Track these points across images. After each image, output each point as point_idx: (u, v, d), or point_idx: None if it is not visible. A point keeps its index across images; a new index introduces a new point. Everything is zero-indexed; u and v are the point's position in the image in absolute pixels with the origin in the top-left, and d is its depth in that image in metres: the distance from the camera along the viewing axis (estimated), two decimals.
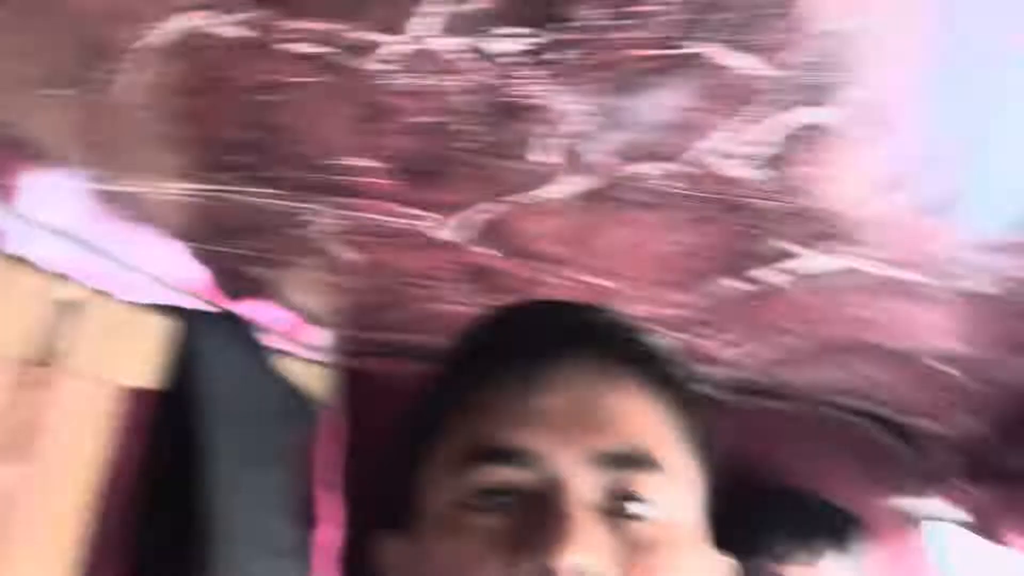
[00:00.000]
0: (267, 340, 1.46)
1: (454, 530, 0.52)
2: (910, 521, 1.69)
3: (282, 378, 1.36)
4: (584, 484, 0.52)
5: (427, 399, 0.61)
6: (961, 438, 1.38)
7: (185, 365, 1.13)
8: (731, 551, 1.56)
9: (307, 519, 1.44)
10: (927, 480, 1.58)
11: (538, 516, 0.50)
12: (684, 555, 0.53)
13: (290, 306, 1.40)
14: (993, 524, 1.14)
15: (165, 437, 1.12)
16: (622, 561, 0.50)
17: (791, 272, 0.79)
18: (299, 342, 1.67)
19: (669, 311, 1.05)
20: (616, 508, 0.52)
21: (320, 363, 1.68)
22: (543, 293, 1.02)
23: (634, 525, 0.52)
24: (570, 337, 0.56)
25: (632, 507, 0.52)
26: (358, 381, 1.77)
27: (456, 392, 0.58)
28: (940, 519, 1.61)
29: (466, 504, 0.53)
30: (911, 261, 0.73)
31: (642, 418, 0.55)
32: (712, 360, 1.44)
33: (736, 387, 1.71)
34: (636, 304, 1.03)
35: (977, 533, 1.21)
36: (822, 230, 0.68)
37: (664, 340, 0.60)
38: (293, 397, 1.36)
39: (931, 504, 1.52)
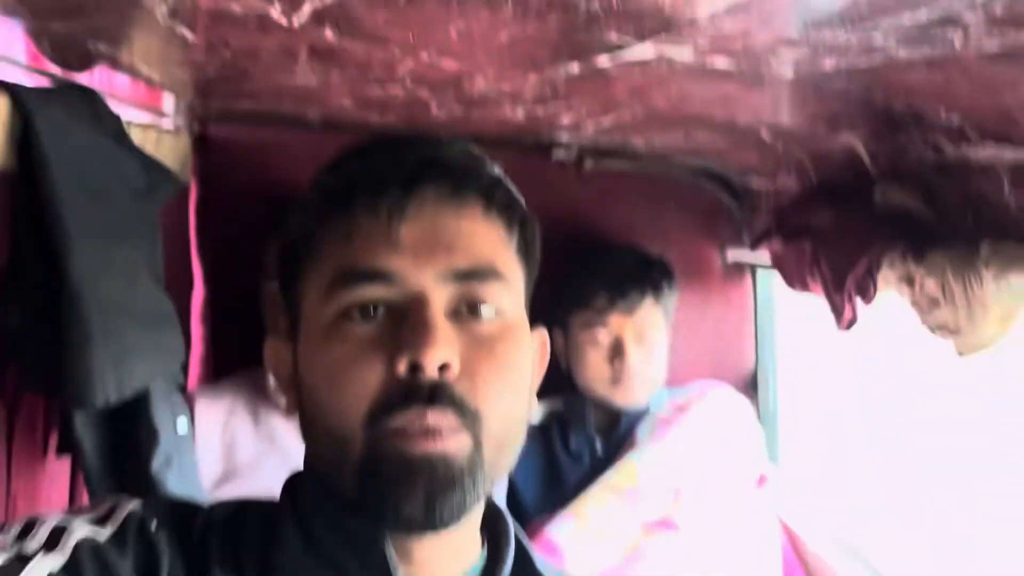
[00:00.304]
0: (117, 110, 1.42)
1: (336, 337, 0.63)
2: (739, 270, 1.90)
3: (136, 149, 1.34)
4: (440, 296, 0.63)
5: (298, 222, 0.69)
6: (780, 197, 1.54)
7: (29, 143, 1.10)
8: (562, 308, 1.70)
9: (177, 287, 1.49)
10: (753, 234, 1.75)
11: (407, 324, 0.61)
12: (514, 340, 0.66)
13: (139, 77, 1.36)
14: (794, 273, 1.31)
15: (23, 219, 1.12)
16: (471, 351, 0.63)
17: (624, 60, 0.85)
18: (150, 110, 1.63)
19: (524, 87, 1.09)
20: (466, 312, 0.64)
21: (173, 131, 1.66)
22: (401, 72, 1.05)
23: (480, 324, 0.64)
24: (426, 169, 0.65)
25: (478, 310, 0.64)
26: (211, 147, 1.76)
27: (325, 220, 0.66)
28: (766, 268, 1.82)
29: (344, 316, 0.63)
30: (728, 50, 0.80)
31: (486, 238, 0.66)
32: (561, 127, 1.51)
33: (584, 150, 1.81)
34: (494, 83, 1.07)
35: (784, 280, 1.39)
36: (651, 26, 0.73)
37: (498, 170, 0.70)
38: (150, 168, 1.34)
39: (756, 256, 1.70)
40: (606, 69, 0.92)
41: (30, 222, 1.11)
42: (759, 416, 1.86)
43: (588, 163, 1.83)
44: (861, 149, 1.14)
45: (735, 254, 1.85)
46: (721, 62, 0.82)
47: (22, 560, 0.57)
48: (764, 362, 1.89)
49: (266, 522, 0.68)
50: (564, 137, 1.66)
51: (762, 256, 1.63)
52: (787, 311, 1.92)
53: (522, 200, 0.71)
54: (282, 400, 1.41)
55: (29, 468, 1.16)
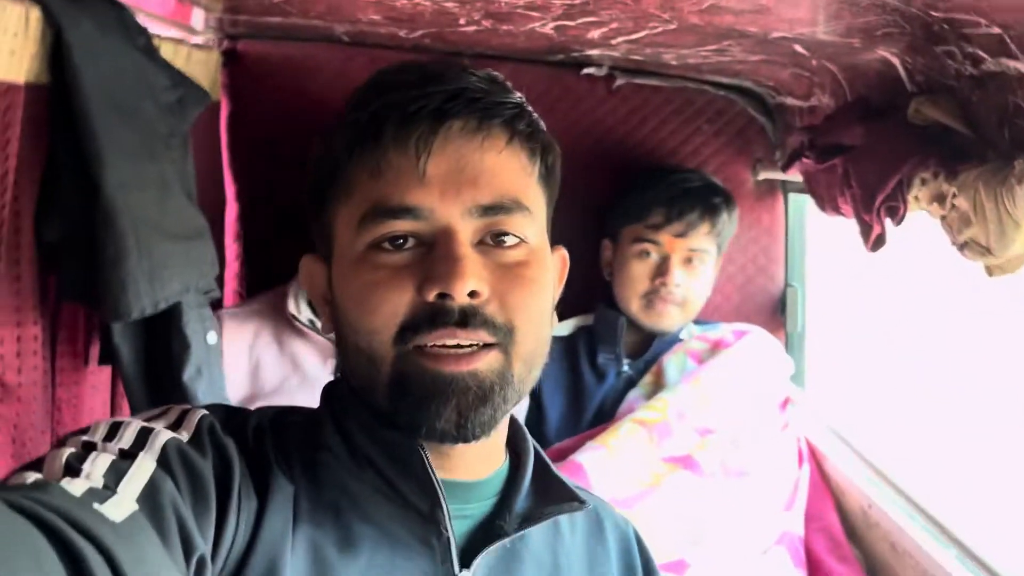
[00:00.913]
0: (147, 25, 1.42)
1: (367, 265, 0.67)
2: (772, 191, 1.88)
3: (166, 64, 1.35)
4: (467, 229, 0.67)
5: (327, 152, 0.72)
6: (814, 115, 1.51)
7: (61, 56, 1.11)
8: (616, 219, 1.70)
9: (210, 202, 1.50)
10: (786, 153, 1.72)
11: (435, 255, 0.66)
12: (538, 263, 0.70)
13: None
14: (825, 195, 1.29)
15: (58, 133, 1.14)
16: (498, 277, 0.67)
17: None
18: (180, 26, 1.63)
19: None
20: (491, 242, 0.68)
21: (202, 47, 1.65)
22: None
23: (505, 251, 0.68)
24: (452, 103, 0.67)
25: (503, 240, 0.68)
26: (241, 63, 1.76)
27: (355, 153, 0.69)
28: (799, 190, 1.79)
29: (376, 246, 0.67)
30: None
31: (510, 170, 0.69)
32: (591, 43, 1.49)
33: (615, 66, 1.78)
34: None
35: (816, 202, 1.37)
36: None
37: (521, 98, 0.71)
38: (179, 83, 1.35)
39: (789, 176, 1.67)
40: None
41: (65, 136, 1.13)
42: (786, 339, 1.86)
43: (619, 79, 1.80)
44: (897, 63, 1.11)
45: (768, 174, 1.83)
46: None
47: (128, 456, 0.59)
48: (793, 285, 1.88)
49: (309, 427, 0.73)
50: (595, 53, 1.63)
51: (795, 177, 1.61)
52: (818, 235, 1.90)
53: (543, 126, 0.72)
54: (303, 323, 1.49)
55: (72, 378, 1.20)
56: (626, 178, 1.74)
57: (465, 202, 0.67)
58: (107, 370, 1.28)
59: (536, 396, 1.67)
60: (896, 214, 1.02)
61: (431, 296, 0.65)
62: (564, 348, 1.71)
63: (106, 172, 1.12)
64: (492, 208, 0.67)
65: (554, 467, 0.78)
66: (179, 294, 1.18)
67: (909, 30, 0.98)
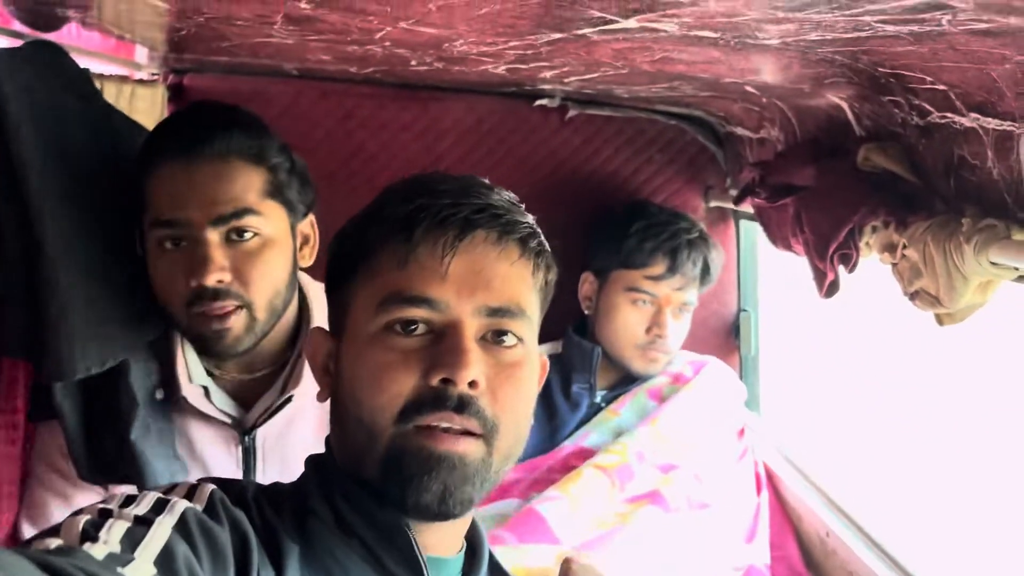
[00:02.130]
0: (88, 63, 1.38)
1: (380, 345, 0.74)
2: (723, 217, 1.89)
3: (106, 105, 1.31)
4: (473, 325, 0.75)
5: (357, 238, 0.80)
6: (764, 147, 1.52)
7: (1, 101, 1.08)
8: (607, 258, 1.68)
9: None
10: (736, 183, 1.74)
11: (444, 344, 0.73)
12: (529, 366, 0.78)
13: (111, 35, 1.32)
14: (777, 232, 1.31)
15: None
16: (494, 373, 0.75)
17: (609, 31, 0.83)
18: (124, 62, 1.59)
19: (504, 50, 1.07)
20: (492, 339, 0.76)
21: (148, 83, 1.62)
22: (379, 36, 1.02)
23: (503, 351, 0.76)
24: (480, 215, 0.75)
25: (503, 340, 0.76)
26: (189, 97, 1.72)
27: (386, 243, 0.76)
28: (749, 217, 1.81)
29: (390, 328, 0.74)
30: (713, 25, 0.78)
31: (517, 280, 0.77)
32: (543, 81, 1.49)
33: (567, 96, 1.78)
34: (474, 47, 1.05)
35: (768, 237, 1.38)
36: (635, 6, 0.71)
37: (533, 220, 0.81)
38: (121, 125, 1.31)
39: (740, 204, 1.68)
40: (588, 35, 0.90)
41: (5, 187, 1.09)
42: (740, 364, 1.88)
43: (572, 110, 1.81)
44: (846, 108, 1.13)
45: (719, 201, 1.85)
46: (707, 33, 0.81)
47: (144, 523, 0.62)
48: (746, 310, 1.90)
49: (296, 495, 0.78)
50: (547, 87, 1.63)
51: (745, 207, 1.62)
52: (770, 258, 1.92)
53: (548, 247, 0.82)
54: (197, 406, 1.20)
55: (8, 434, 1.16)
56: (585, 209, 1.74)
57: (477, 301, 0.75)
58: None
59: None
60: (849, 261, 1.03)
61: (435, 381, 0.72)
62: None
63: (47, 227, 1.08)
64: (499, 310, 0.75)
65: (497, 559, 0.87)
66: (127, 351, 1.15)
67: (857, 80, 1.00)
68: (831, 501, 1.52)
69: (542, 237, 0.81)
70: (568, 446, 1.56)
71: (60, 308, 1.08)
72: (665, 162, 1.86)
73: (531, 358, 0.78)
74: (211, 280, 1.08)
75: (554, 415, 1.66)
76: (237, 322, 1.11)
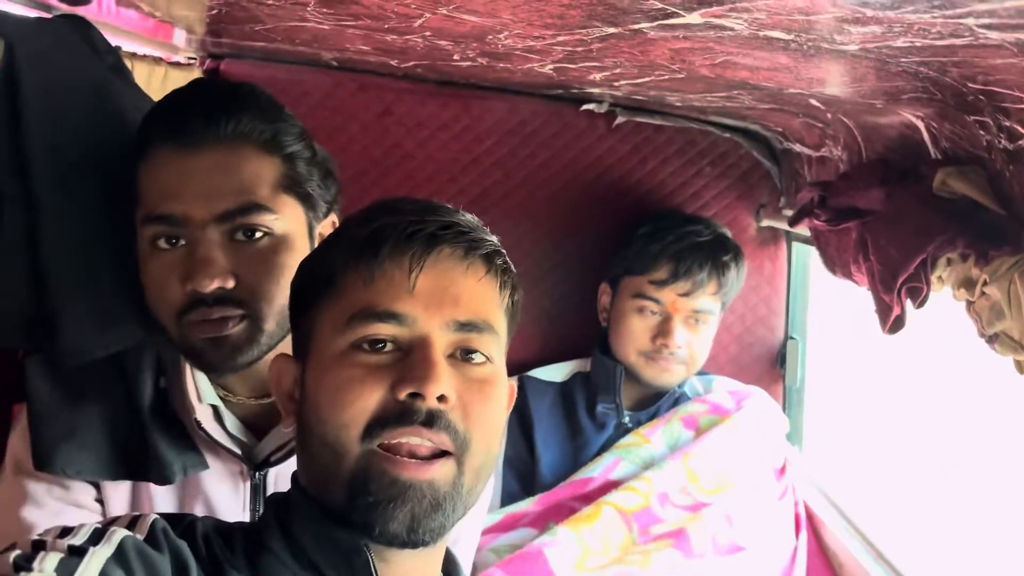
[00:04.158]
0: (122, 42, 1.33)
1: (346, 363, 0.73)
2: (775, 238, 1.80)
3: (133, 86, 1.25)
4: (443, 341, 0.74)
5: (320, 262, 0.79)
6: (825, 167, 1.43)
7: (10, 74, 1.02)
8: (617, 265, 1.61)
9: None
10: (791, 203, 1.65)
11: (411, 359, 0.72)
12: (499, 383, 0.77)
13: (148, 12, 1.27)
14: (836, 258, 1.21)
15: (3, 157, 1.04)
16: (464, 389, 0.73)
17: (668, 27, 0.75)
18: (160, 44, 1.54)
19: (553, 45, 0.99)
20: (461, 357, 0.75)
21: (183, 66, 1.57)
22: (418, 24, 0.95)
23: (472, 367, 0.75)
24: (446, 231, 0.75)
25: (472, 357, 0.75)
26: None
27: (351, 263, 0.75)
28: (803, 240, 1.71)
29: (357, 346, 0.73)
30: (787, 25, 0.69)
31: (484, 296, 0.76)
32: (592, 84, 1.40)
33: (616, 102, 1.70)
34: (520, 40, 0.97)
35: (825, 263, 1.29)
36: None
37: (498, 241, 0.80)
38: (147, 104, 1.24)
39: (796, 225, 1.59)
40: (645, 31, 0.82)
41: (11, 160, 1.04)
42: (784, 394, 1.78)
43: (620, 117, 1.72)
44: (922, 127, 1.03)
45: (771, 221, 1.75)
46: (778, 34, 0.72)
47: (78, 553, 0.62)
48: (794, 337, 1.80)
49: (252, 533, 0.76)
50: (595, 90, 1.55)
51: (801, 228, 1.52)
52: (822, 285, 1.82)
53: (513, 269, 0.81)
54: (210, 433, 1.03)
55: None
56: (628, 220, 1.66)
57: (445, 316, 0.73)
58: None
59: (529, 441, 1.59)
60: (918, 296, 0.94)
61: (403, 395, 0.70)
62: (559, 394, 1.63)
63: (56, 203, 1.02)
64: (467, 325, 0.74)
65: None
66: (141, 331, 1.08)
67: (939, 97, 0.90)
68: (877, 551, 1.41)
69: (506, 257, 0.80)
70: (596, 478, 1.48)
71: (71, 287, 1.02)
72: (716, 176, 1.77)
73: (501, 378, 0.77)
74: (210, 287, 0.92)
75: (578, 433, 1.59)
76: (237, 330, 0.94)
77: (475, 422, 0.73)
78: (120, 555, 0.63)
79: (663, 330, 1.52)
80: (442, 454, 0.71)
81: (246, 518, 1.03)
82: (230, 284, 0.94)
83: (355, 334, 0.73)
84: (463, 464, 0.72)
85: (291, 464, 0.94)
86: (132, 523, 0.69)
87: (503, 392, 0.78)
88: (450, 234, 0.75)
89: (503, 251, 0.80)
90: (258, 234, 0.95)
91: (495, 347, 0.76)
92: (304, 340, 0.78)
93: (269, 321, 0.95)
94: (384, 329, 0.72)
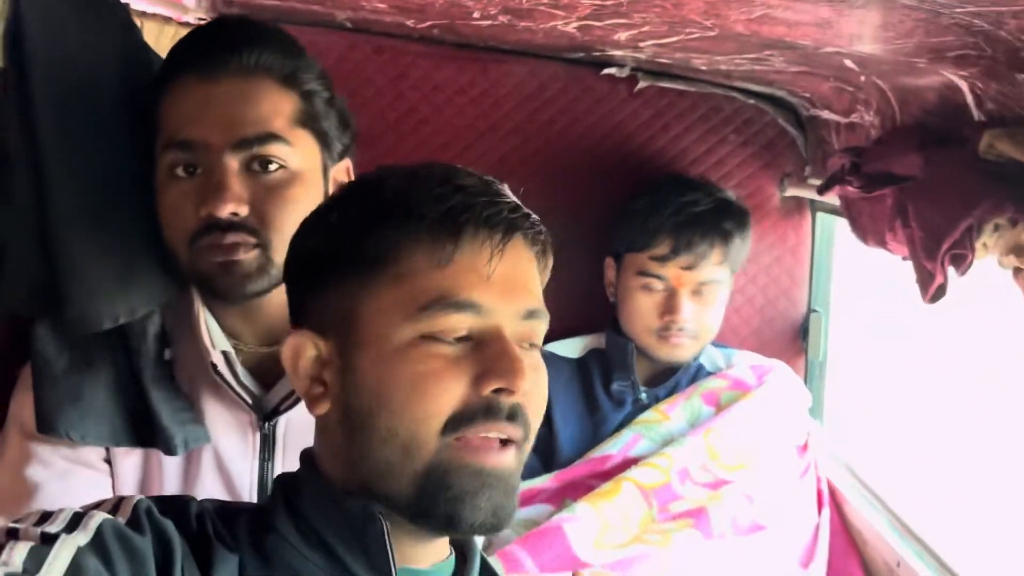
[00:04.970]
0: (134, 2, 1.30)
1: (418, 354, 0.69)
2: (799, 208, 1.75)
3: (144, 46, 1.21)
4: (512, 329, 0.72)
5: (366, 227, 0.72)
6: (854, 133, 1.38)
7: (17, 32, 0.99)
8: (619, 241, 1.57)
9: None
10: (818, 172, 1.60)
11: (491, 351, 0.70)
12: (544, 368, 0.76)
13: None
14: (869, 227, 1.17)
15: (13, 118, 1.01)
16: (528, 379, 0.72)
17: None
18: (170, 3, 1.50)
19: None
20: (526, 346, 0.74)
21: (191, 25, 1.52)
22: None
23: (534, 351, 0.75)
24: (519, 217, 0.72)
25: (533, 347, 0.75)
26: None
27: (420, 244, 0.70)
28: (828, 210, 1.66)
29: (431, 337, 0.69)
30: None
31: (539, 283, 0.77)
32: (617, 44, 1.36)
33: (638, 66, 1.65)
34: None
35: (856, 232, 1.24)
36: None
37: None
38: (157, 63, 1.21)
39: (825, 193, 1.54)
40: None
41: (20, 121, 1.00)
42: (806, 368, 1.74)
43: (642, 81, 1.67)
44: (965, 88, 0.98)
45: (796, 190, 1.70)
46: None
47: (48, 540, 0.60)
48: (817, 310, 1.76)
49: (258, 514, 0.74)
50: (618, 53, 1.50)
51: (828, 198, 1.48)
52: (847, 256, 1.78)
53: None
54: (226, 376, 1.04)
55: None
56: (635, 189, 1.61)
57: (517, 305, 0.72)
58: None
59: (548, 416, 1.56)
60: (962, 263, 0.90)
61: (487, 390, 0.69)
62: (575, 371, 1.59)
63: (63, 164, 0.99)
64: (533, 313, 0.74)
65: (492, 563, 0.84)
66: (156, 298, 1.05)
67: (990, 53, 0.86)
68: (904, 526, 1.38)
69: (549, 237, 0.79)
70: (615, 455, 1.45)
71: (80, 254, 1.00)
72: (740, 144, 1.72)
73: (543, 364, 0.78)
74: (225, 211, 0.95)
75: (596, 410, 1.56)
76: (249, 258, 0.96)
77: (536, 413, 0.74)
78: (97, 541, 0.61)
79: (670, 306, 1.48)
80: (510, 442, 0.71)
81: (255, 469, 1.04)
82: (244, 211, 0.96)
83: (431, 325, 0.69)
84: (522, 452, 0.73)
85: (300, 410, 0.94)
86: (116, 506, 0.67)
87: (547, 379, 0.78)
88: (520, 218, 0.73)
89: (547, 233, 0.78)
90: (273, 166, 0.98)
91: (544, 328, 0.76)
92: (338, 318, 0.72)
93: (280, 252, 0.93)
94: (463, 321, 0.70)
